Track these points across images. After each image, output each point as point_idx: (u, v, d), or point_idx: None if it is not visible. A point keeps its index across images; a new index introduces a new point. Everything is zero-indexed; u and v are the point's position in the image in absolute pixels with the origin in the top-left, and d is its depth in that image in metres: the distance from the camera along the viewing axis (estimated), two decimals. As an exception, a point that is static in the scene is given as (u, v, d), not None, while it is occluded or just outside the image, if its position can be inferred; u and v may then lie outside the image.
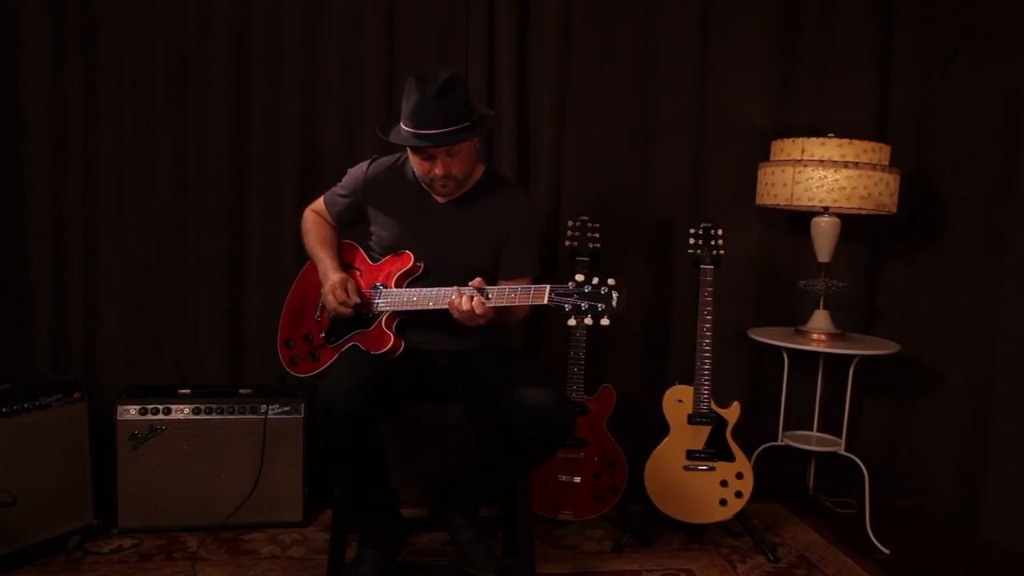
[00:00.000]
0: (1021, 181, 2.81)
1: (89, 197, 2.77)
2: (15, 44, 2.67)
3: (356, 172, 2.34)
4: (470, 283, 2.02)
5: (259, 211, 2.87)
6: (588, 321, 1.86)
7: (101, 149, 2.77)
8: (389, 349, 2.15)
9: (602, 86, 3.02)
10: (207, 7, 2.77)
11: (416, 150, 2.12)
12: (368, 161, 2.34)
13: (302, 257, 2.48)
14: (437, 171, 2.10)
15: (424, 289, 2.13)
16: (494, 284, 2.14)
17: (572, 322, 1.89)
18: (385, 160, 2.34)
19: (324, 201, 2.42)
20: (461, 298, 1.99)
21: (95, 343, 2.82)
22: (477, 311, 1.98)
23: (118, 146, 2.78)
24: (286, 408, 2.66)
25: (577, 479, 2.79)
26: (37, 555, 2.40)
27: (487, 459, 2.22)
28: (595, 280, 1.88)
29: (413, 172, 2.26)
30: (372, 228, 2.32)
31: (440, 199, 2.25)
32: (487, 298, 2.00)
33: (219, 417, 2.63)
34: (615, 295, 1.86)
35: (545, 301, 1.91)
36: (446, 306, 2.05)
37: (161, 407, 2.60)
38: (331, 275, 2.23)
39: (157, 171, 2.81)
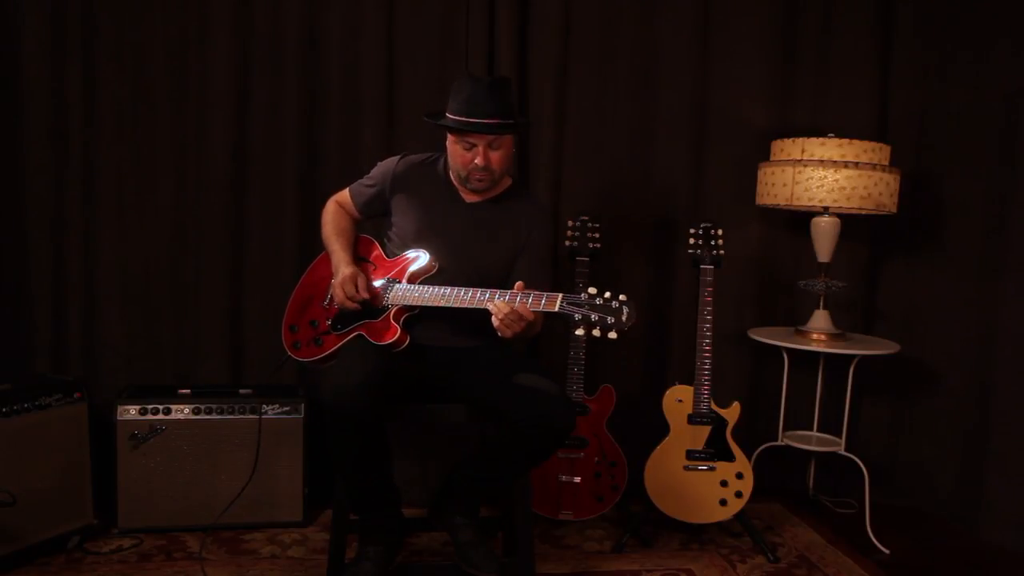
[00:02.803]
0: (1021, 181, 2.81)
1: (89, 197, 2.77)
2: (15, 44, 2.66)
3: (386, 165, 2.36)
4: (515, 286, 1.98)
5: (259, 211, 2.87)
6: (596, 333, 1.86)
7: (101, 149, 2.77)
8: (394, 341, 2.15)
9: (602, 85, 3.02)
10: (207, 7, 2.77)
11: (459, 139, 2.16)
12: (399, 156, 2.37)
13: (302, 257, 2.48)
14: (477, 161, 2.15)
15: (437, 288, 2.13)
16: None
17: (579, 332, 1.88)
18: (416, 157, 2.37)
19: (349, 192, 2.42)
20: (500, 302, 1.96)
21: (95, 343, 2.82)
22: (527, 316, 1.94)
23: (118, 146, 2.78)
24: (286, 408, 2.66)
25: (577, 479, 2.79)
26: (37, 555, 2.40)
27: (487, 459, 2.22)
28: (607, 294, 1.88)
29: (444, 170, 2.30)
30: (394, 219, 2.32)
31: (469, 197, 2.28)
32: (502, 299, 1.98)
33: (219, 417, 2.63)
34: (626, 310, 1.86)
35: (556, 309, 1.90)
36: (457, 304, 2.05)
37: (161, 407, 2.60)
38: (343, 268, 2.24)
39: (157, 171, 2.81)
